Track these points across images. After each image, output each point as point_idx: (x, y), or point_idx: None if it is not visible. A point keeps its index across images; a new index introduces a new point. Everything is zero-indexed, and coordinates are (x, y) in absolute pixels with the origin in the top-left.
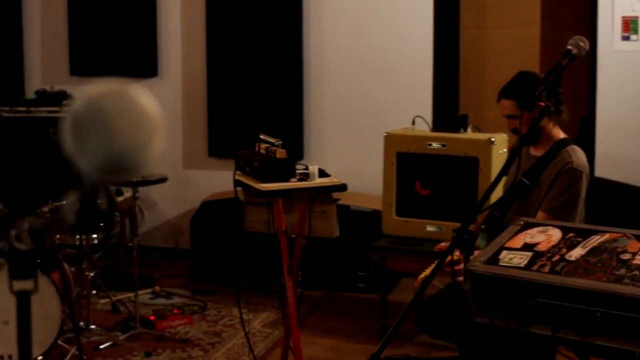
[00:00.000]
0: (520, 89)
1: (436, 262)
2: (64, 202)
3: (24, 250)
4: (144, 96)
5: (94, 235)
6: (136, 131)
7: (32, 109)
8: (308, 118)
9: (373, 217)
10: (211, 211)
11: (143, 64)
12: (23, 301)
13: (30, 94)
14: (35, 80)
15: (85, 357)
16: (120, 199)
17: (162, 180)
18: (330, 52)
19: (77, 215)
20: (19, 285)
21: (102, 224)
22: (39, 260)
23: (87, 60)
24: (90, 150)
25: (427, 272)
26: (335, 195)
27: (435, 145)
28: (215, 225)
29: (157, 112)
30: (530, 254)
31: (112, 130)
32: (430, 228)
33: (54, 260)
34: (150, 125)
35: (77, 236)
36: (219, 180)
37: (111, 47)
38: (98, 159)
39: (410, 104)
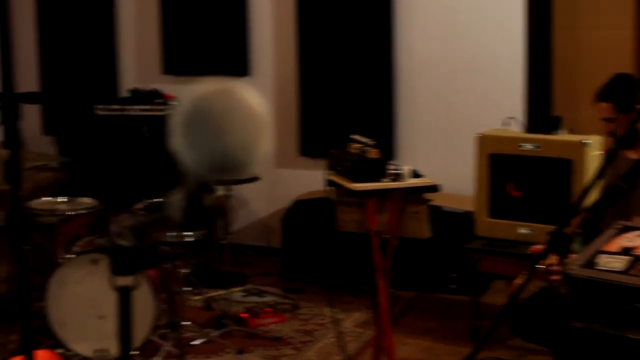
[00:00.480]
0: (617, 91)
1: (530, 268)
2: (170, 199)
3: (126, 246)
4: (252, 95)
5: (188, 233)
6: (244, 130)
7: (126, 107)
8: (399, 118)
9: (465, 218)
10: (303, 210)
11: (235, 63)
12: (124, 297)
13: (123, 93)
14: (129, 78)
15: (183, 353)
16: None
17: (255, 179)
18: (421, 52)
19: (183, 213)
20: (120, 281)
21: (206, 222)
22: (139, 257)
23: (179, 59)
24: (199, 149)
25: (523, 278)
26: (427, 195)
27: (528, 146)
28: (306, 224)
29: (264, 111)
30: (628, 258)
31: (220, 129)
32: (522, 230)
33: (155, 257)
34: (258, 124)
35: (171, 233)
36: (311, 179)
37: (203, 47)
38: (206, 158)
39: (502, 105)
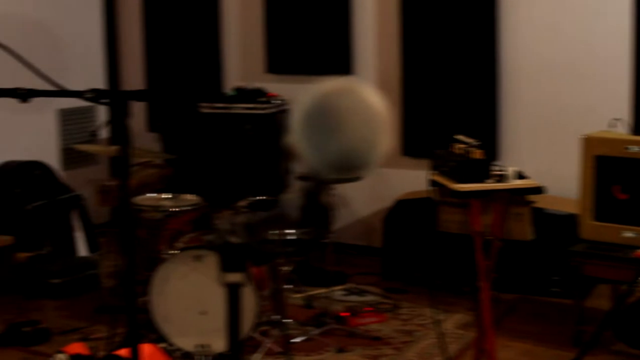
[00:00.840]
0: None
1: (636, 272)
2: (288, 197)
3: (237, 244)
4: (373, 94)
5: (291, 231)
6: (367, 129)
7: (230, 105)
8: (503, 118)
9: (569, 221)
10: (405, 210)
11: (338, 62)
12: (233, 293)
13: (228, 91)
14: (233, 77)
15: (288, 350)
16: None
17: (357, 178)
18: (526, 52)
19: (301, 211)
20: (230, 277)
21: (321, 220)
22: (250, 254)
23: (283, 58)
24: (320, 147)
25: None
26: (531, 197)
27: (634, 148)
28: (408, 224)
29: (385, 110)
30: None
31: (344, 127)
32: (627, 234)
33: (264, 254)
34: (380, 123)
35: (274, 232)
36: (413, 179)
37: (307, 46)
38: (327, 157)
39: (609, 106)
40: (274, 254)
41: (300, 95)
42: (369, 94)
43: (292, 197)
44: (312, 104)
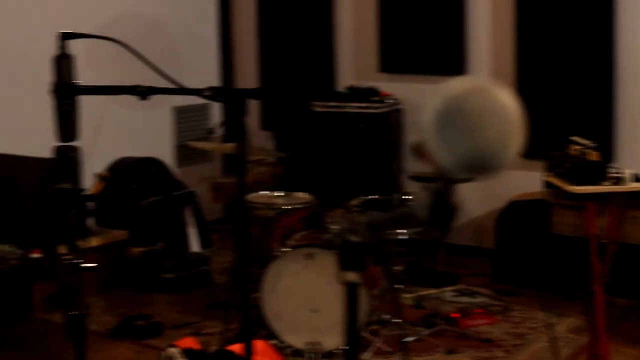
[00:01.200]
0: None
1: None
2: (416, 197)
3: (358, 243)
4: (506, 95)
5: (402, 231)
6: (501, 130)
7: (343, 104)
8: (620, 119)
9: None
10: (518, 211)
11: (452, 61)
12: (351, 293)
13: (341, 90)
14: (347, 76)
15: (400, 350)
16: None
17: (470, 178)
18: None
19: (430, 211)
20: (349, 277)
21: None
22: (371, 254)
23: (396, 57)
24: (455, 148)
25: None
26: None
27: None
28: (521, 226)
29: (518, 110)
30: None
31: (478, 128)
32: None
33: (385, 254)
34: (513, 124)
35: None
36: (527, 180)
37: (420, 45)
38: (461, 157)
39: None
40: (391, 253)
41: (431, 94)
42: (503, 95)
43: (421, 196)
44: (445, 103)
